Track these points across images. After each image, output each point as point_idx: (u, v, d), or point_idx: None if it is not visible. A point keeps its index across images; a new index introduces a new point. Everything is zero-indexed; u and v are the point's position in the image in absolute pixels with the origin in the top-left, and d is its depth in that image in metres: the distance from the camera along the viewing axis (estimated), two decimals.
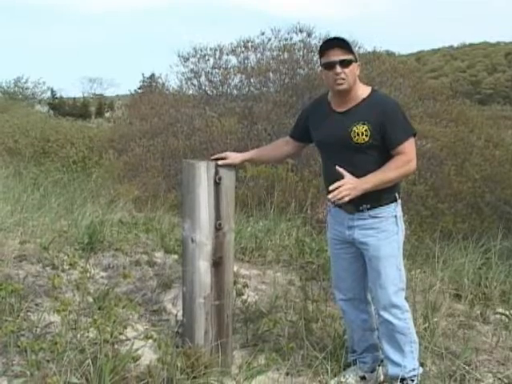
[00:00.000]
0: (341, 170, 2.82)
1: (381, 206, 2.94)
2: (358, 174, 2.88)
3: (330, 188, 2.76)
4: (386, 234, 2.96)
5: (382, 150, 2.90)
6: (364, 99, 2.95)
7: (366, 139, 2.88)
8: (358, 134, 2.89)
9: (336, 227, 3.13)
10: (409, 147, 2.88)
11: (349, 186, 2.76)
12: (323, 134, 3.06)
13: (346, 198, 2.75)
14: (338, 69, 2.85)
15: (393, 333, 3.00)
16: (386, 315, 2.99)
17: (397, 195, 2.98)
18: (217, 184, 2.99)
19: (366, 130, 2.88)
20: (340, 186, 2.75)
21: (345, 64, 2.85)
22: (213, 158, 3.08)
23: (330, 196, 2.76)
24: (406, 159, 2.86)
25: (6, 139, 15.59)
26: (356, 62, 2.90)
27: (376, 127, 2.86)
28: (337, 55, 2.85)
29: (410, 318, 3.04)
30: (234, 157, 3.12)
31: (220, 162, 3.02)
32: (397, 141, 2.87)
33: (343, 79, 2.86)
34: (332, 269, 3.28)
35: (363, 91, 2.97)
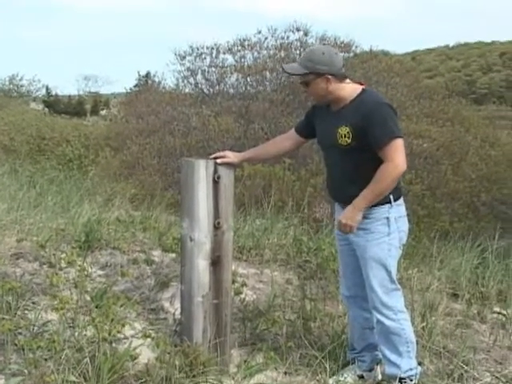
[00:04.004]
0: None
1: (373, 206, 2.90)
2: (348, 174, 2.90)
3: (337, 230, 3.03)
4: (374, 235, 2.93)
5: (368, 152, 2.84)
6: (352, 100, 2.93)
7: (349, 141, 2.87)
8: (342, 136, 2.89)
9: None
10: (392, 150, 2.78)
11: (344, 221, 2.89)
12: (320, 132, 3.10)
13: (354, 230, 2.90)
14: (303, 88, 3.09)
15: (387, 333, 2.99)
16: (377, 315, 2.98)
17: (391, 197, 2.92)
18: (215, 182, 2.97)
19: (348, 132, 2.87)
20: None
21: (304, 84, 3.01)
22: (212, 156, 3.06)
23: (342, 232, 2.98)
24: (391, 166, 2.77)
25: (1, 137, 15.55)
26: (321, 75, 2.89)
27: (357, 129, 2.84)
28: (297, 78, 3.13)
29: (404, 319, 3.00)
30: (233, 156, 3.09)
31: (219, 161, 3.00)
32: (377, 144, 2.80)
33: (309, 95, 3.09)
34: (339, 265, 3.31)
35: (352, 92, 2.94)
